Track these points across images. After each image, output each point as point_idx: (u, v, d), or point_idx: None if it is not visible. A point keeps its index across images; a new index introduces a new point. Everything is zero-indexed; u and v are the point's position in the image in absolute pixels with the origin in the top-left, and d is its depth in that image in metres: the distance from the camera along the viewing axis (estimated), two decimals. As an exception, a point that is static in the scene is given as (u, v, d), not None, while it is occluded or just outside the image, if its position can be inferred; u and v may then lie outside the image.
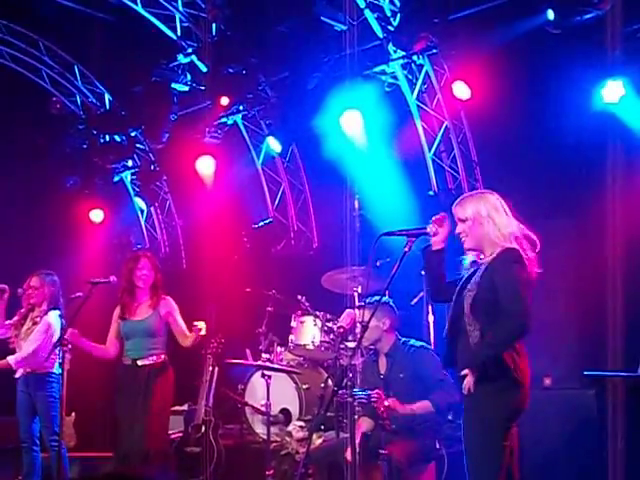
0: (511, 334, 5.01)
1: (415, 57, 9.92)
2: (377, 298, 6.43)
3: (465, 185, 10.16)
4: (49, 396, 8.35)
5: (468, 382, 5.05)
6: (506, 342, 5.01)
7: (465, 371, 5.07)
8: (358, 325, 7.32)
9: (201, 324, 7.76)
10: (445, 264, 5.43)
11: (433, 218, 5.41)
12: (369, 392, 6.49)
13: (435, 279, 5.49)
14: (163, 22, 11.66)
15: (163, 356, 7.96)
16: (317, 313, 9.20)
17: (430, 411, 6.81)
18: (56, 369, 8.34)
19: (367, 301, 6.57)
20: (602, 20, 8.13)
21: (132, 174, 13.49)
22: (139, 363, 7.89)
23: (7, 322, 8.68)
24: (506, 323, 4.97)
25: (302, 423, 8.84)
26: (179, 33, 11.65)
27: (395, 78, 10.24)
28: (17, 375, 8.50)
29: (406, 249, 5.39)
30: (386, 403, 6.53)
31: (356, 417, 6.56)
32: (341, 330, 7.60)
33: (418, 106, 10.30)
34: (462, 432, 5.19)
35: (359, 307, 6.69)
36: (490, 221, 5.14)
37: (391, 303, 7.17)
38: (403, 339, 7.21)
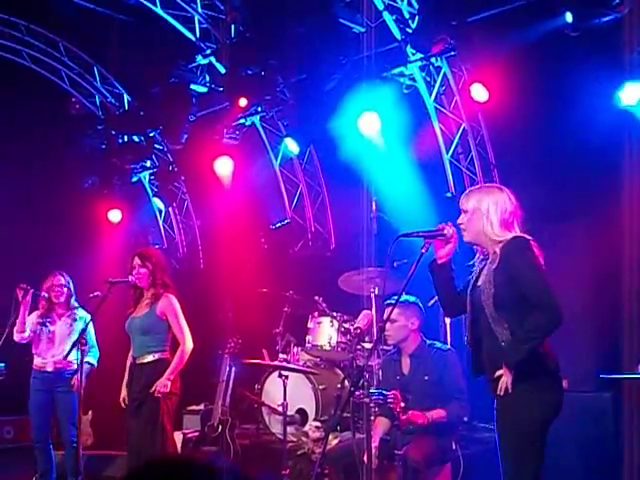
0: (546, 326, 4.84)
1: (433, 59, 9.95)
2: (406, 298, 6.44)
3: (482, 187, 10.16)
4: (70, 390, 8.41)
5: (504, 382, 4.88)
6: (541, 335, 4.85)
7: (499, 372, 4.92)
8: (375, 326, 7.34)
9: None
10: (453, 275, 5.32)
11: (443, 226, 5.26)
12: (385, 393, 6.49)
13: (445, 293, 5.38)
14: (182, 23, 11.72)
15: (163, 354, 7.66)
16: (334, 314, 9.22)
17: (443, 420, 6.81)
18: (75, 366, 8.45)
19: (395, 300, 6.51)
20: (620, 23, 8.13)
21: (150, 174, 13.58)
22: (138, 362, 7.70)
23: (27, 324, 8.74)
24: (539, 316, 4.81)
25: (318, 423, 8.87)
26: (198, 34, 11.72)
27: (413, 80, 10.25)
28: (47, 368, 8.59)
29: (423, 250, 5.33)
30: (404, 417, 6.55)
31: (372, 417, 6.56)
32: (358, 331, 7.59)
33: (436, 108, 10.32)
34: (498, 434, 5.02)
35: (388, 305, 6.61)
36: (487, 217, 5.05)
37: (420, 304, 7.12)
38: (429, 341, 7.18)
